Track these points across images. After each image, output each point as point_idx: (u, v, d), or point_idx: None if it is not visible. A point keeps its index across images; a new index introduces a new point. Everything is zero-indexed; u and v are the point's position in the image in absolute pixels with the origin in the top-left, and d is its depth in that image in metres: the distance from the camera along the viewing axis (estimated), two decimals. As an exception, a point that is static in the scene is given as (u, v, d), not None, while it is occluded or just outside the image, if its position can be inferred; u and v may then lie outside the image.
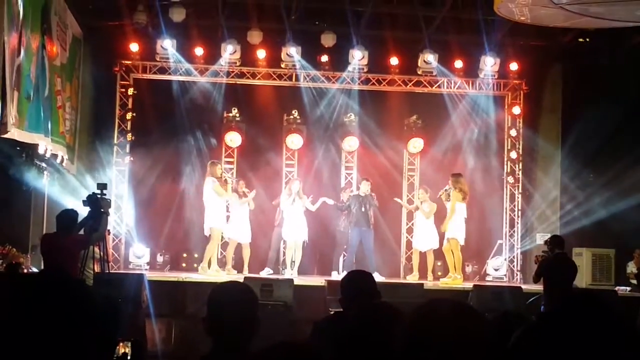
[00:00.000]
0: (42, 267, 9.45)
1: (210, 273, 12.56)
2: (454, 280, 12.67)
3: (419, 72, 14.45)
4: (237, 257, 13.33)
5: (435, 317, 1.97)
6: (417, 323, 1.98)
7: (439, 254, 13.48)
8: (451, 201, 12.87)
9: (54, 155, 11.78)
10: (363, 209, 13.07)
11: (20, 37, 9.76)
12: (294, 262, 13.08)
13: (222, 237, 13.22)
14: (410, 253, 14.27)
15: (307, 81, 14.45)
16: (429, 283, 12.64)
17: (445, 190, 13.09)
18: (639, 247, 12.61)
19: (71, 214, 8.65)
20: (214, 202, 12.64)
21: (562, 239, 9.91)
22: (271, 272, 13.16)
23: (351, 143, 14.64)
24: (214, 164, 12.96)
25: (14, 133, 9.74)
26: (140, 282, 10.29)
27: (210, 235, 12.73)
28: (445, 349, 1.90)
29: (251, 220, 13.17)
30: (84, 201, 8.86)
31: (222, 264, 13.38)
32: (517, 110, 14.84)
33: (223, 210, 12.94)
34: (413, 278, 13.28)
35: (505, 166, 14.88)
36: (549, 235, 10.71)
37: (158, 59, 14.01)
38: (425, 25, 13.80)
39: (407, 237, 14.71)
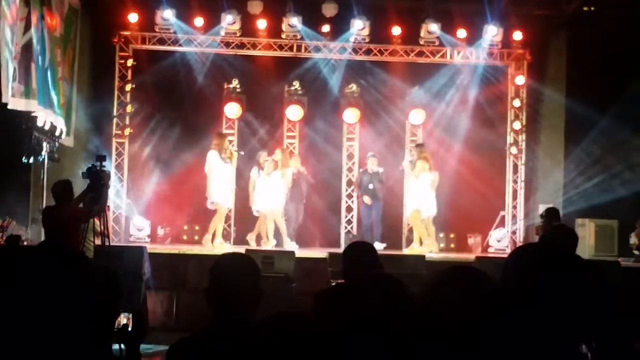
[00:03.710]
0: (43, 239, 9.42)
1: (216, 245, 12.56)
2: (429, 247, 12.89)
3: (422, 42, 14.28)
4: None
5: (450, 284, 1.95)
6: (432, 293, 1.96)
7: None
8: (416, 172, 12.98)
9: (54, 127, 11.71)
10: (372, 186, 13.41)
11: (30, 12, 9.74)
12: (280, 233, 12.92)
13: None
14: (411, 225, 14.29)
15: (308, 52, 14.30)
16: (432, 254, 12.59)
17: (410, 161, 13.28)
18: (640, 219, 12.60)
19: (64, 181, 8.62)
20: (217, 175, 12.53)
21: (557, 210, 9.39)
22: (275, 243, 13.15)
23: (353, 114, 14.52)
24: (220, 135, 12.82)
25: (33, 104, 9.78)
26: (140, 255, 10.28)
27: (216, 209, 12.67)
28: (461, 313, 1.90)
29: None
30: (83, 173, 8.79)
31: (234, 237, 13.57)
32: (520, 80, 14.66)
33: (228, 184, 12.81)
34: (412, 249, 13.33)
35: (508, 137, 14.76)
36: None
37: (157, 30, 13.87)
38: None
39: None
